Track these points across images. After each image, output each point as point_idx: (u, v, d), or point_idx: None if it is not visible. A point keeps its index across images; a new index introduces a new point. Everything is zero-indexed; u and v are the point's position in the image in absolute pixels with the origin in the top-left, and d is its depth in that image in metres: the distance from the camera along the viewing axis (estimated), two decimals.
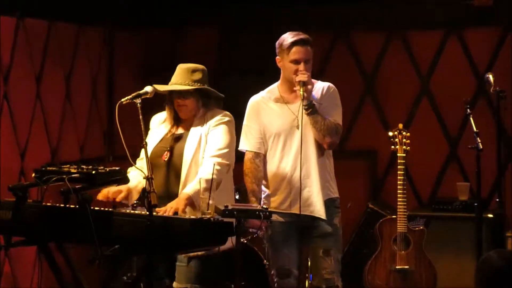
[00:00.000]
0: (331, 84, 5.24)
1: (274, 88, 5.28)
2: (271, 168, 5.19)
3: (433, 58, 7.54)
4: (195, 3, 7.89)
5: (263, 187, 5.23)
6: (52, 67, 7.03)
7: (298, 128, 5.10)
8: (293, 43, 5.09)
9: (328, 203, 5.13)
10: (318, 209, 5.09)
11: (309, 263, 5.39)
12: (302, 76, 5.03)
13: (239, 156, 5.11)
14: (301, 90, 5.01)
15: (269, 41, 7.78)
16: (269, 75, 7.94)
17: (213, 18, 8.03)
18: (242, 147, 5.24)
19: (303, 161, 5.07)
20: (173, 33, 8.19)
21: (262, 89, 5.33)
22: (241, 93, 7.47)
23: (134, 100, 4.64)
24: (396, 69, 7.61)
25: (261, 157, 5.21)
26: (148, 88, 4.76)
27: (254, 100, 5.29)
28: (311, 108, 5.04)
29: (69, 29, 7.28)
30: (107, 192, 4.82)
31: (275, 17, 7.82)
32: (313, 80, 5.20)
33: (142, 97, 4.68)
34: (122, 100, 4.65)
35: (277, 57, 5.19)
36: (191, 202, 4.74)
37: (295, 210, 5.09)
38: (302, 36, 5.11)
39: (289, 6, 7.73)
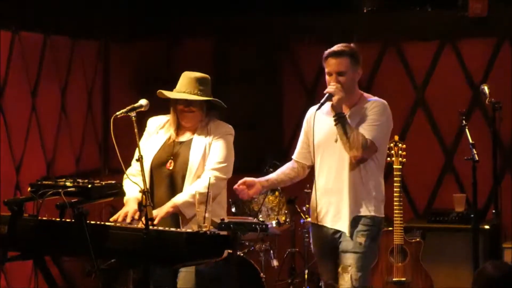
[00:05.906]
0: (379, 101, 5.05)
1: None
2: (315, 180, 5.10)
3: (428, 69, 7.54)
4: (189, 14, 7.89)
5: None
6: (48, 80, 7.03)
7: (336, 141, 4.98)
8: (327, 56, 5.00)
9: (357, 220, 4.98)
10: (343, 224, 4.97)
11: None
12: (329, 88, 4.93)
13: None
14: (323, 99, 4.92)
15: (264, 51, 7.87)
16: (263, 85, 8.01)
17: (208, 29, 8.02)
18: (293, 155, 5.27)
19: (336, 175, 4.98)
20: (167, 44, 8.18)
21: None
22: (235, 103, 7.49)
23: (129, 114, 4.64)
24: (391, 80, 7.60)
25: (305, 166, 5.19)
26: (142, 101, 4.74)
27: (309, 112, 5.22)
28: (339, 119, 4.89)
29: (64, 42, 7.28)
30: (131, 214, 4.77)
31: (270, 27, 7.83)
32: (366, 95, 5.08)
33: (137, 110, 4.67)
34: (117, 113, 4.63)
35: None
36: (177, 210, 4.76)
37: (325, 223, 5.05)
38: (338, 48, 4.99)
39: (285, 16, 7.73)
